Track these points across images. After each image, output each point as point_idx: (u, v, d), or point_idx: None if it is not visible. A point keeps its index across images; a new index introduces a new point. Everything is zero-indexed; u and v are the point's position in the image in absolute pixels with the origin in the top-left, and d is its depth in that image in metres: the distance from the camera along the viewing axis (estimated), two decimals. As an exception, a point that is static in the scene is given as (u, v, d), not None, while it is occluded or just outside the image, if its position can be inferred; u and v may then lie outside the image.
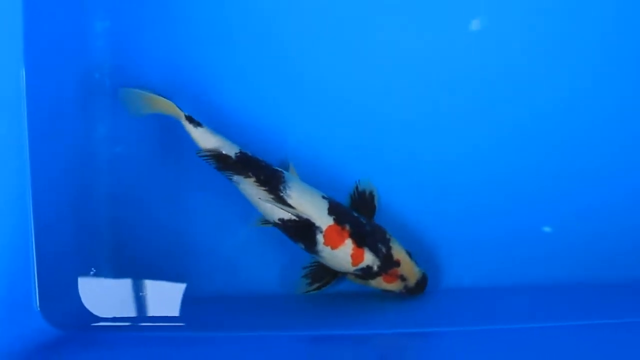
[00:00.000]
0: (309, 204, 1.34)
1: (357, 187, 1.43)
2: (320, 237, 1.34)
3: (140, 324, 1.43)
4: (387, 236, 1.38)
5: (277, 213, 1.34)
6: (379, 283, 1.38)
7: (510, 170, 1.46)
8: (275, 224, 1.36)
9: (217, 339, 1.36)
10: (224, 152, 1.35)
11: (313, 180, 1.41)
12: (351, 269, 1.36)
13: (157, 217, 1.48)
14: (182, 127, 1.36)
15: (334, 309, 1.43)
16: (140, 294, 1.46)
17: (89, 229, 1.47)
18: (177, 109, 1.36)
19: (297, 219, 1.33)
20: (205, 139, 1.35)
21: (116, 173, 1.48)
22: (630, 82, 1.45)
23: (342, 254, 1.34)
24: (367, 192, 1.43)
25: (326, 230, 1.34)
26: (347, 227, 1.35)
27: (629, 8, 1.45)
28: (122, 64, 1.48)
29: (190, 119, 1.35)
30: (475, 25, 1.46)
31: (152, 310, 1.45)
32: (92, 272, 1.47)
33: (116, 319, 1.44)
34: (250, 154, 1.36)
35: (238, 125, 1.46)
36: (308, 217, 1.33)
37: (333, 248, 1.34)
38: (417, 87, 1.47)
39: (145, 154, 1.48)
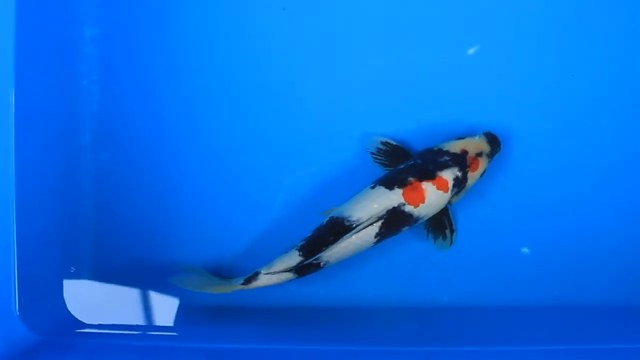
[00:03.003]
0: (372, 203, 1.34)
1: (372, 154, 1.43)
2: (409, 208, 1.34)
3: (123, 332, 1.43)
4: (435, 148, 1.39)
5: (369, 236, 1.35)
6: (473, 177, 1.39)
7: (490, 191, 1.47)
8: (376, 242, 1.36)
9: (202, 350, 1.37)
10: (293, 264, 1.35)
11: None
12: (449, 196, 1.37)
13: (142, 225, 1.48)
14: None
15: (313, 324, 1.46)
16: (123, 301, 1.46)
17: (73, 235, 1.47)
18: (231, 288, 1.37)
19: (382, 220, 1.34)
20: (270, 278, 1.36)
21: (101, 179, 1.48)
22: (613, 110, 1.47)
23: (433, 197, 1.35)
24: (382, 146, 1.42)
25: (404, 198, 1.34)
26: (411, 179, 1.35)
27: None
28: (110, 72, 1.47)
29: (248, 281, 1.36)
30: (471, 50, 1.47)
31: (135, 317, 1.45)
32: (72, 270, 1.46)
33: (99, 326, 1.44)
34: (303, 241, 1.36)
35: (225, 137, 1.48)
36: (384, 209, 1.34)
37: (423, 202, 1.35)
38: (400, 108, 1.47)
39: (131, 161, 1.48)
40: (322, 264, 1.35)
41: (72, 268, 1.47)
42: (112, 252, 1.48)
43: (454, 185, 1.36)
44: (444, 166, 1.36)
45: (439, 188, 1.35)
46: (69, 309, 1.45)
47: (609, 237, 1.47)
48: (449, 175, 1.36)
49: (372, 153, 1.43)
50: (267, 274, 1.35)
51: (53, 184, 1.45)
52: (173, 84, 1.48)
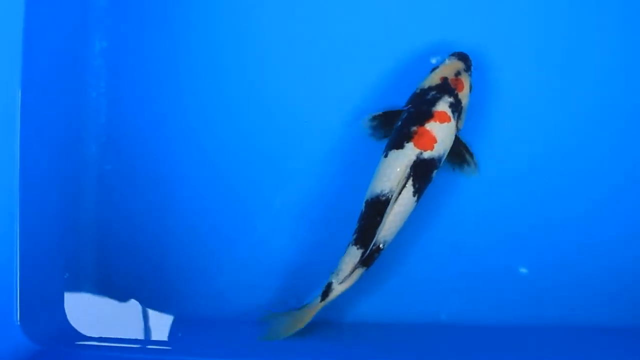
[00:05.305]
0: (394, 169, 1.36)
1: (367, 130, 1.45)
2: (427, 154, 1.36)
3: (123, 345, 1.43)
4: (418, 90, 1.42)
5: (408, 199, 1.36)
6: (465, 95, 1.41)
7: (487, 210, 1.49)
8: (418, 199, 1.38)
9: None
10: (357, 260, 1.36)
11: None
12: (455, 122, 1.39)
13: (144, 236, 1.49)
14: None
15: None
16: (124, 313, 1.46)
17: (76, 244, 1.48)
18: (314, 310, 1.37)
19: (411, 177, 1.35)
20: (343, 283, 1.37)
21: (105, 191, 1.49)
22: (612, 130, 1.49)
23: (442, 132, 1.37)
24: (373, 121, 1.44)
25: (419, 148, 1.36)
26: (414, 128, 1.37)
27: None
28: (118, 84, 1.49)
29: (324, 295, 1.37)
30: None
31: (135, 331, 1.46)
32: (66, 276, 1.46)
33: (99, 339, 1.44)
34: (355, 234, 1.37)
35: (232, 152, 1.50)
36: (406, 167, 1.36)
37: (436, 141, 1.37)
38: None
39: (135, 173, 1.49)
40: (381, 245, 1.37)
41: (66, 274, 1.47)
42: (114, 265, 1.48)
43: (452, 112, 1.40)
44: (435, 100, 1.40)
45: (442, 121, 1.38)
46: (70, 320, 1.45)
47: (609, 256, 1.47)
48: (444, 106, 1.39)
49: (369, 135, 1.46)
50: (340, 282, 1.36)
51: (57, 194, 1.46)
52: (179, 97, 1.50)
